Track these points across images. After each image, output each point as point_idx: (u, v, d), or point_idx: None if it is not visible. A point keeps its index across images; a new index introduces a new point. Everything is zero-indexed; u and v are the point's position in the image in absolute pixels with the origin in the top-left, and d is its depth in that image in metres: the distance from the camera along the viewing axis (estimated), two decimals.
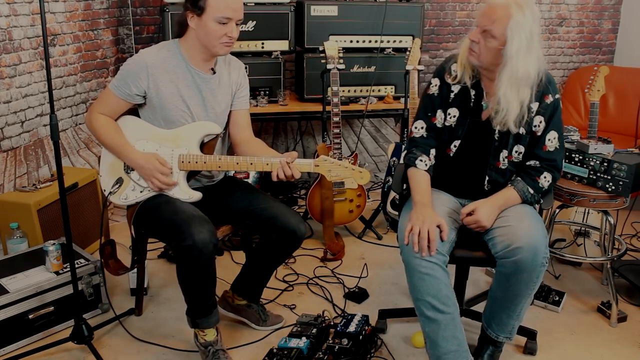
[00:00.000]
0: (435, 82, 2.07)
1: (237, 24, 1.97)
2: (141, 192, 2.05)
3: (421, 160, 2.04)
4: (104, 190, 2.10)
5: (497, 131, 1.98)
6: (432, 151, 2.08)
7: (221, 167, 2.04)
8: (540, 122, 1.97)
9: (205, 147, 2.08)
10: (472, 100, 2.01)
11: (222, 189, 2.24)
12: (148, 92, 2.01)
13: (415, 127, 2.10)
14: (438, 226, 1.85)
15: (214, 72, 2.10)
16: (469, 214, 1.95)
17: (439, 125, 2.06)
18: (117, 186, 2.07)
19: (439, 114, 2.05)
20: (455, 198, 2.12)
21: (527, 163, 2.02)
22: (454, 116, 2.04)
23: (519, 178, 2.01)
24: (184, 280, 1.97)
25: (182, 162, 2.03)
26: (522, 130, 1.96)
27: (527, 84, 1.87)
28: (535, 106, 1.94)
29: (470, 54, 1.91)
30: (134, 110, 2.12)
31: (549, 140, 1.99)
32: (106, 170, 2.11)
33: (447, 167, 2.09)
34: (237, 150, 2.22)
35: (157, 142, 2.05)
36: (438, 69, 2.08)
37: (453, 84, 2.02)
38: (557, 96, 1.98)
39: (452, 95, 2.03)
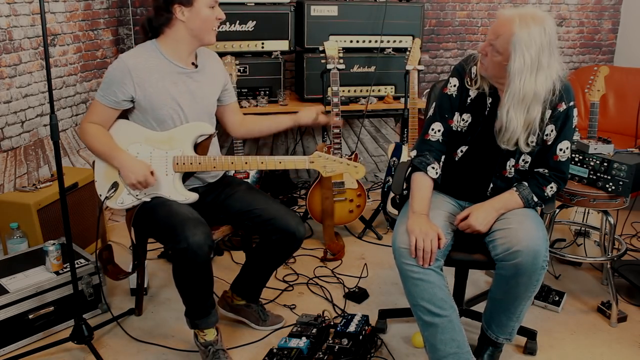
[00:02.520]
0: (454, 82, 1.99)
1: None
2: (137, 195, 2.05)
3: (433, 168, 1.97)
4: (100, 195, 2.09)
5: None
6: (443, 157, 2.03)
7: (216, 167, 2.04)
8: (552, 130, 1.91)
9: (199, 147, 2.08)
10: (488, 108, 1.95)
11: (221, 189, 2.23)
12: (135, 95, 2.00)
13: (432, 130, 2.00)
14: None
15: (196, 66, 2.10)
16: (464, 219, 1.95)
17: (454, 128, 2.00)
18: (112, 190, 2.05)
19: (456, 116, 1.99)
20: (456, 200, 2.12)
21: (536, 170, 1.99)
22: (467, 121, 1.99)
23: (525, 183, 1.98)
24: (181, 282, 1.97)
25: (177, 163, 2.03)
26: (532, 140, 1.90)
27: (537, 103, 1.81)
28: (547, 114, 1.88)
29: (480, 65, 1.88)
30: (124, 115, 2.11)
31: (560, 150, 1.94)
32: (101, 175, 2.09)
33: (450, 170, 2.05)
34: (242, 130, 2.33)
35: (150, 145, 2.04)
36: (457, 69, 1.99)
37: (471, 89, 1.96)
38: (570, 104, 1.90)
39: (469, 99, 1.97)
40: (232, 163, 2.02)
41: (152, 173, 1.99)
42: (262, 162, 1.99)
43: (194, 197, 2.05)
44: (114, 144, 2.03)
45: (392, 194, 3.10)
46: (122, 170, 1.99)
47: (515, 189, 1.97)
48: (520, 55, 1.72)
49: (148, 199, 2.03)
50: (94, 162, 2.13)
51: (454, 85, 1.99)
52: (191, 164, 2.03)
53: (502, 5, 4.19)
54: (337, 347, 2.05)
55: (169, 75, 2.04)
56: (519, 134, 1.85)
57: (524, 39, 1.71)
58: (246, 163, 2.00)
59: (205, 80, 2.12)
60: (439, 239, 1.83)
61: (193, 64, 2.09)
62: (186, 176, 2.10)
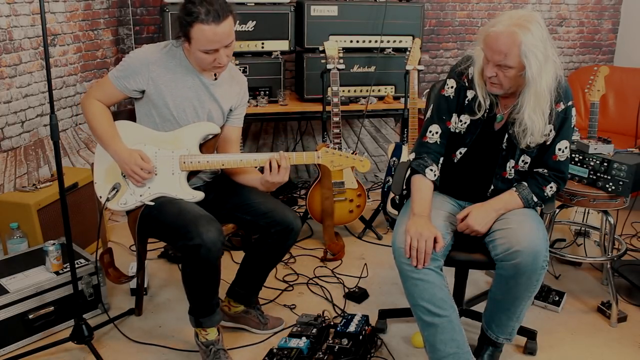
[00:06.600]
0: (451, 83, 1.99)
1: (226, 47, 1.94)
2: (141, 195, 2.05)
3: (431, 170, 1.98)
4: (100, 197, 2.08)
5: (505, 141, 1.96)
6: (441, 159, 2.03)
7: (225, 165, 2.04)
8: (551, 130, 1.92)
9: (204, 147, 2.08)
10: (487, 110, 1.95)
11: (218, 186, 2.23)
12: (147, 89, 2.02)
13: (430, 132, 2.01)
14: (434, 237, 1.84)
15: (216, 78, 2.10)
16: (464, 218, 1.95)
17: (452, 129, 2.00)
18: (113, 192, 2.05)
19: (454, 118, 2.00)
20: (456, 200, 2.12)
21: (535, 170, 2.00)
22: (465, 123, 1.99)
23: (524, 184, 1.98)
24: (191, 280, 1.97)
25: (184, 162, 2.03)
26: (550, 129, 1.91)
27: (549, 94, 1.82)
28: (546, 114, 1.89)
29: (492, 87, 1.85)
30: (131, 113, 2.11)
31: (559, 149, 1.95)
32: (102, 176, 2.09)
33: (450, 172, 2.06)
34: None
35: (156, 145, 2.05)
36: (454, 70, 2.00)
37: (469, 90, 1.96)
38: (569, 103, 1.92)
39: (466, 101, 1.97)
40: (241, 161, 2.02)
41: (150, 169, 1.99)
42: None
43: (200, 195, 2.06)
44: (115, 131, 2.04)
45: (392, 194, 3.10)
46: (116, 161, 2.02)
47: (515, 189, 1.97)
48: (534, 57, 1.73)
49: (151, 203, 2.02)
50: (92, 164, 2.13)
51: (451, 87, 1.99)
52: (199, 162, 2.03)
53: (502, 5, 4.19)
54: (337, 347, 2.05)
55: (184, 79, 2.04)
56: (543, 129, 1.87)
57: (531, 43, 1.72)
58: (255, 160, 2.00)
59: (219, 94, 2.11)
60: (436, 241, 1.83)
61: (214, 74, 2.09)
62: (189, 176, 2.10)
